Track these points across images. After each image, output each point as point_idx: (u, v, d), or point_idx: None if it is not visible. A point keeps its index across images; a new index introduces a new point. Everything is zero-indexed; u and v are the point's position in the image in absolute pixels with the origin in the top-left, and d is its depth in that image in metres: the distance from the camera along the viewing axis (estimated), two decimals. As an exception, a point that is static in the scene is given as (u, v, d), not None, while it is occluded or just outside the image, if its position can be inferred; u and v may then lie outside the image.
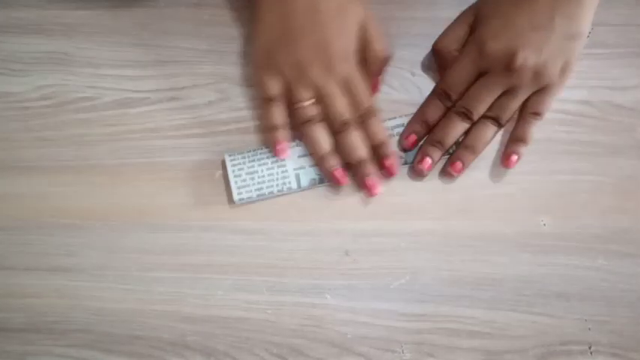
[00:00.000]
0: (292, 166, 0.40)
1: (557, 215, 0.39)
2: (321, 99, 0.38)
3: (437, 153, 0.39)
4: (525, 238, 0.39)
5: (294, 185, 0.40)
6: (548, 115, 0.41)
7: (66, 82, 0.42)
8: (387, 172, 0.39)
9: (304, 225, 0.40)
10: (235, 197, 0.39)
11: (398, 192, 0.40)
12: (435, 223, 0.39)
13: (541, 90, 0.38)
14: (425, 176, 0.40)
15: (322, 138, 0.39)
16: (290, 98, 0.39)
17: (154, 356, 0.38)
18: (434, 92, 0.40)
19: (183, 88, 0.41)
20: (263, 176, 0.40)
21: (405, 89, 0.41)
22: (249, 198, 0.39)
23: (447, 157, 0.40)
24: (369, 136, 0.39)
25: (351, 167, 0.39)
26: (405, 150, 0.40)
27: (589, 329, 0.38)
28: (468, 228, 0.39)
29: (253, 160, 0.40)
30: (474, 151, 0.39)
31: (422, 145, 0.40)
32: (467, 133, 0.39)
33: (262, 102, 0.39)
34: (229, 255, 0.39)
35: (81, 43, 0.42)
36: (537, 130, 0.40)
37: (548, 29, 0.36)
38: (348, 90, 0.38)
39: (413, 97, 0.41)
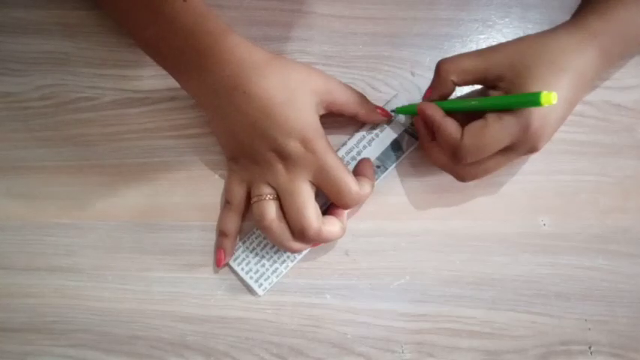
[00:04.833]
0: None
1: (557, 215, 0.39)
2: (281, 195, 0.35)
3: None
4: (525, 238, 0.39)
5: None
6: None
7: (66, 82, 0.42)
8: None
9: (304, 225, 0.40)
10: (259, 292, 0.38)
11: (398, 192, 0.40)
12: (435, 223, 0.39)
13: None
14: None
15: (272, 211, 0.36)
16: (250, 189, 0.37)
17: (153, 356, 0.38)
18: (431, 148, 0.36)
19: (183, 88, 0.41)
20: (271, 257, 0.38)
21: (405, 89, 0.41)
22: (271, 284, 0.38)
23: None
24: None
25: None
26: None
27: (589, 329, 0.38)
28: (468, 228, 0.39)
29: (255, 248, 0.38)
30: None
31: None
32: None
33: (224, 202, 0.39)
34: (229, 255, 0.39)
35: (81, 43, 0.42)
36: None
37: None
38: (318, 184, 0.35)
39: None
